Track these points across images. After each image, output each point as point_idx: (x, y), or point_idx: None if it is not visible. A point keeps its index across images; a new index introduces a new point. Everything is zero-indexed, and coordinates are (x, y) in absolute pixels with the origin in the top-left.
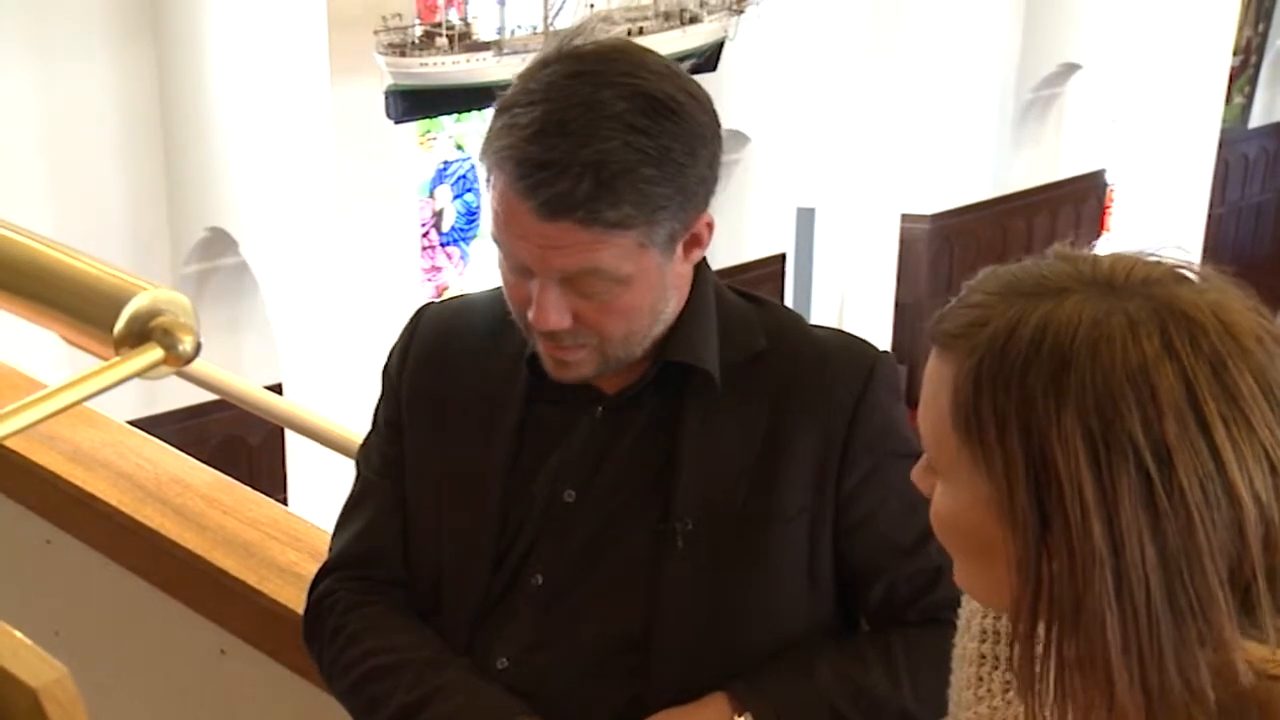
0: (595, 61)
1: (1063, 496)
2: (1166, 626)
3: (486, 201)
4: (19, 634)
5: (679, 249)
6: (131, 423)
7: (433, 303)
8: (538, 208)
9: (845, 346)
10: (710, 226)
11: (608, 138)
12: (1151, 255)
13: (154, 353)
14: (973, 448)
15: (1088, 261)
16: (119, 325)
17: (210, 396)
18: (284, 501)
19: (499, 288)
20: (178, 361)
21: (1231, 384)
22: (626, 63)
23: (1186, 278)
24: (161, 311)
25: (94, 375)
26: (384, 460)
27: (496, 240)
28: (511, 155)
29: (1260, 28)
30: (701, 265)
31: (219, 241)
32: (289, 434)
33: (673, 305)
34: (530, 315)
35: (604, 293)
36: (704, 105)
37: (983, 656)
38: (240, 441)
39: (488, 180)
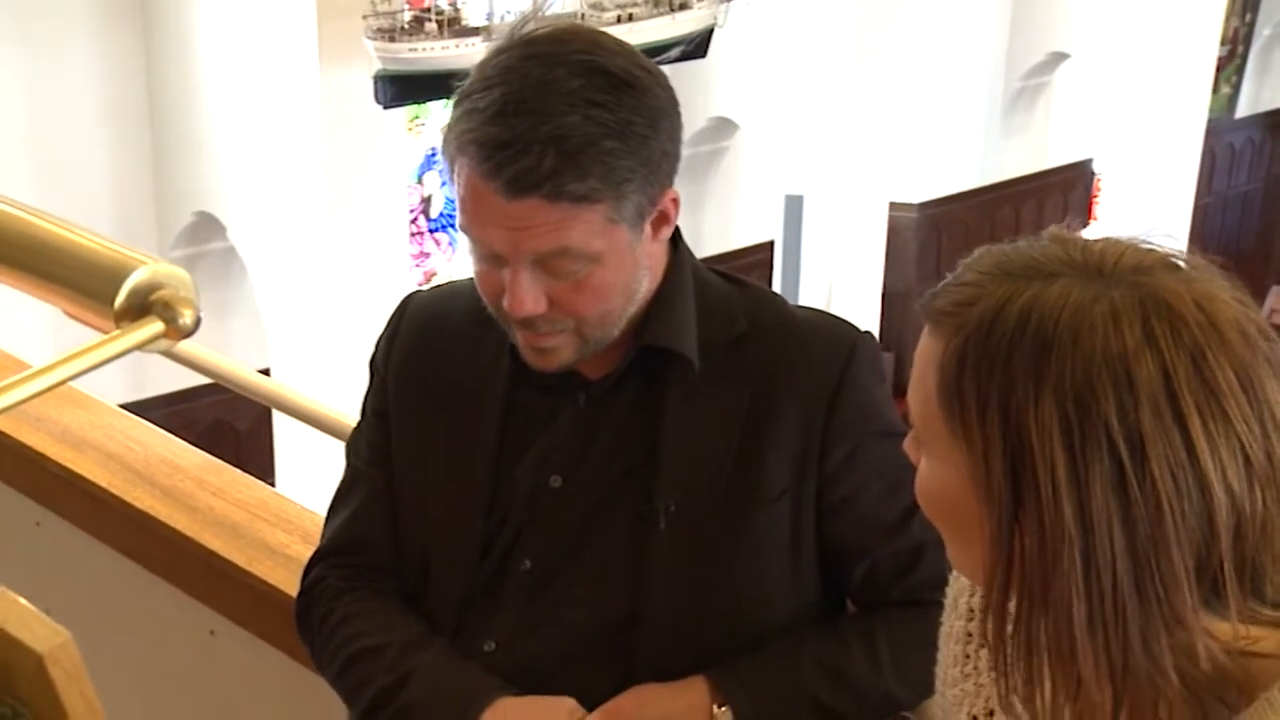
0: (548, 43)
1: (1036, 478)
2: (1132, 609)
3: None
4: (23, 600)
5: (647, 227)
6: (119, 407)
7: (418, 292)
8: (503, 186)
9: (826, 326)
10: (676, 203)
11: (567, 113)
12: (1145, 242)
13: (154, 326)
14: (954, 424)
15: (1079, 246)
16: (120, 299)
17: (197, 381)
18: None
19: None
20: (178, 335)
21: (1210, 376)
22: (580, 42)
23: (1176, 267)
24: (162, 285)
25: (96, 347)
26: (372, 449)
27: (465, 230)
28: (474, 138)
29: (1247, 18)
30: (679, 247)
31: (207, 226)
32: (277, 419)
33: (646, 285)
34: (505, 303)
35: (577, 272)
36: (660, 81)
37: (969, 634)
38: (228, 426)
39: (452, 170)
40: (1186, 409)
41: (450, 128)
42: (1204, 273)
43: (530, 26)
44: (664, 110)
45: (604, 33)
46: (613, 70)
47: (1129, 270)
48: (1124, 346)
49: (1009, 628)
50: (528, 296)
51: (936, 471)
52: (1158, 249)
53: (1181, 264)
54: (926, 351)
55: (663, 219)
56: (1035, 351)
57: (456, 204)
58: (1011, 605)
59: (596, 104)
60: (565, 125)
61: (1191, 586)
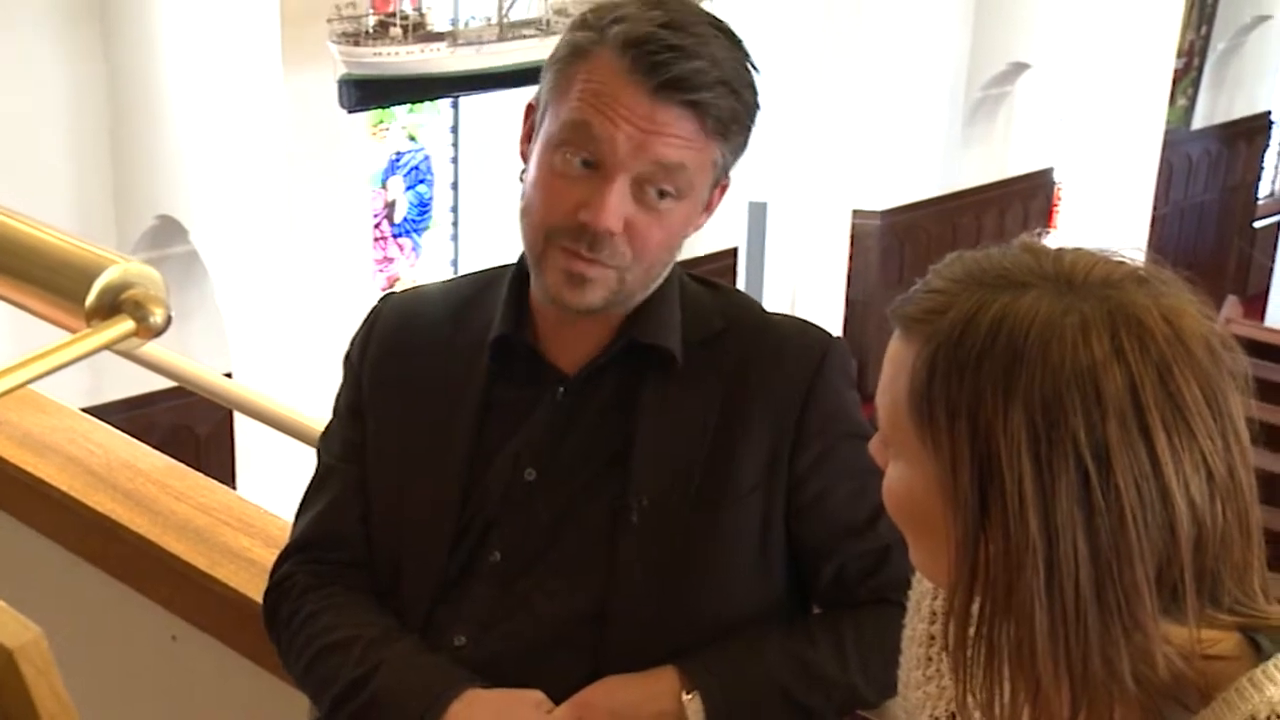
0: None
1: (1003, 487)
2: (1093, 618)
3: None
4: None
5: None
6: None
7: (393, 293)
8: (659, 85)
9: (799, 330)
10: (724, 192)
11: (718, 49)
12: (1115, 254)
13: (125, 324)
14: (923, 431)
15: (1050, 256)
16: (90, 297)
17: (157, 386)
18: None
19: (454, 280)
20: (149, 333)
21: (1176, 390)
22: (699, 6)
23: (1145, 280)
24: (133, 284)
25: (66, 345)
26: (345, 446)
27: (577, 130)
28: (640, 35)
29: (1203, 31)
30: None
31: (168, 229)
32: (238, 424)
33: (670, 260)
34: (585, 215)
35: (663, 201)
36: None
37: (932, 638)
38: (188, 431)
39: (575, 72)
40: (1152, 422)
41: (589, 30)
42: (1172, 287)
43: None
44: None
45: None
46: (738, 37)
47: (1099, 283)
48: (1093, 359)
49: (970, 632)
50: (616, 211)
51: (903, 476)
52: (1127, 262)
53: (1150, 278)
54: (897, 357)
55: (709, 204)
56: (1005, 362)
57: (567, 107)
58: (974, 610)
59: (735, 57)
60: (723, 58)
61: (1152, 596)
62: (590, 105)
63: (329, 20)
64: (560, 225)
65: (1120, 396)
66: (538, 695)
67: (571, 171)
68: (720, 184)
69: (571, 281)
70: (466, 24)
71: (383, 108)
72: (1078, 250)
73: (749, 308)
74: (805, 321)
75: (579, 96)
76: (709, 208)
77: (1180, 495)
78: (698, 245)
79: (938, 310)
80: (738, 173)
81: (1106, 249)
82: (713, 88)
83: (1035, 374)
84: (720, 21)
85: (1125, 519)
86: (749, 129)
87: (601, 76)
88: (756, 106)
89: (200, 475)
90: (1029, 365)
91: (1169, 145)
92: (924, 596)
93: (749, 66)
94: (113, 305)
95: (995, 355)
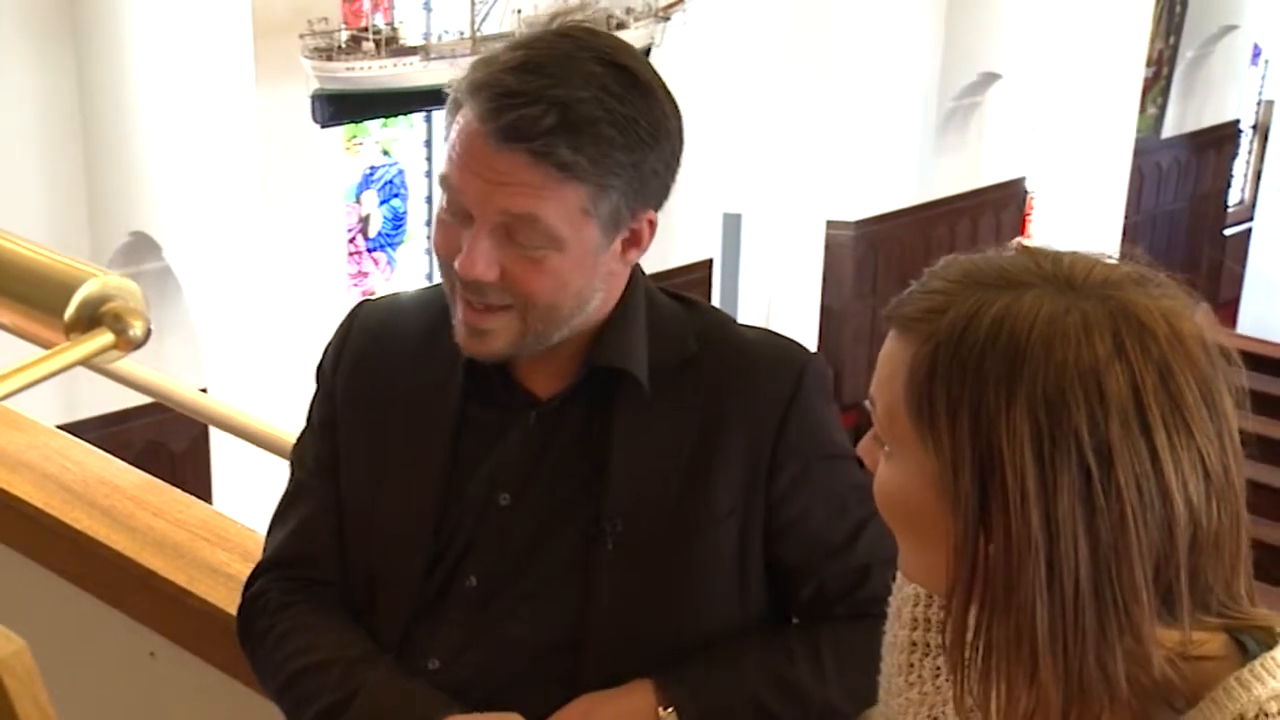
0: (584, 32)
1: (1005, 485)
2: (1090, 618)
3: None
4: None
5: (618, 243)
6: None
7: (367, 301)
8: (495, 131)
9: (776, 348)
10: (652, 227)
11: (581, 87)
12: (1111, 257)
13: (105, 337)
14: (923, 429)
15: (1049, 258)
16: (70, 311)
17: (132, 402)
18: None
19: (429, 289)
20: (128, 345)
21: (1176, 390)
22: (614, 40)
23: (1143, 282)
24: (112, 297)
25: (47, 359)
26: (318, 460)
27: (444, 180)
28: (485, 82)
29: (1171, 40)
30: (635, 269)
31: (142, 246)
32: (214, 440)
33: (598, 301)
34: (456, 264)
35: (536, 250)
36: (674, 107)
37: (913, 644)
38: (163, 448)
39: (452, 119)
40: (1153, 421)
41: (465, 77)
42: (1169, 289)
43: (560, 22)
44: (669, 131)
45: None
46: (635, 71)
47: (1099, 284)
48: (1096, 357)
49: (969, 633)
50: (481, 259)
51: (899, 475)
52: (1124, 265)
53: (1147, 280)
54: (895, 356)
55: (634, 240)
56: (1007, 360)
57: (446, 152)
58: (972, 610)
59: (611, 93)
60: (575, 97)
61: (1149, 596)
62: (450, 158)
63: (301, 35)
64: (447, 277)
65: (1123, 395)
66: (515, 717)
67: (449, 220)
68: (623, 225)
69: (471, 334)
70: (439, 38)
71: (356, 122)
72: (1075, 253)
73: (723, 326)
74: (781, 338)
75: (449, 147)
76: (637, 243)
77: (1179, 495)
78: (672, 257)
79: (937, 310)
80: (712, 184)
81: (1102, 252)
82: (547, 134)
83: (1038, 372)
84: (609, 53)
85: (1126, 517)
86: (635, 166)
87: (463, 124)
88: (643, 143)
89: (177, 491)
90: (1031, 363)
91: (1139, 154)
92: (905, 603)
93: (632, 102)
94: (92, 318)
95: (997, 353)
